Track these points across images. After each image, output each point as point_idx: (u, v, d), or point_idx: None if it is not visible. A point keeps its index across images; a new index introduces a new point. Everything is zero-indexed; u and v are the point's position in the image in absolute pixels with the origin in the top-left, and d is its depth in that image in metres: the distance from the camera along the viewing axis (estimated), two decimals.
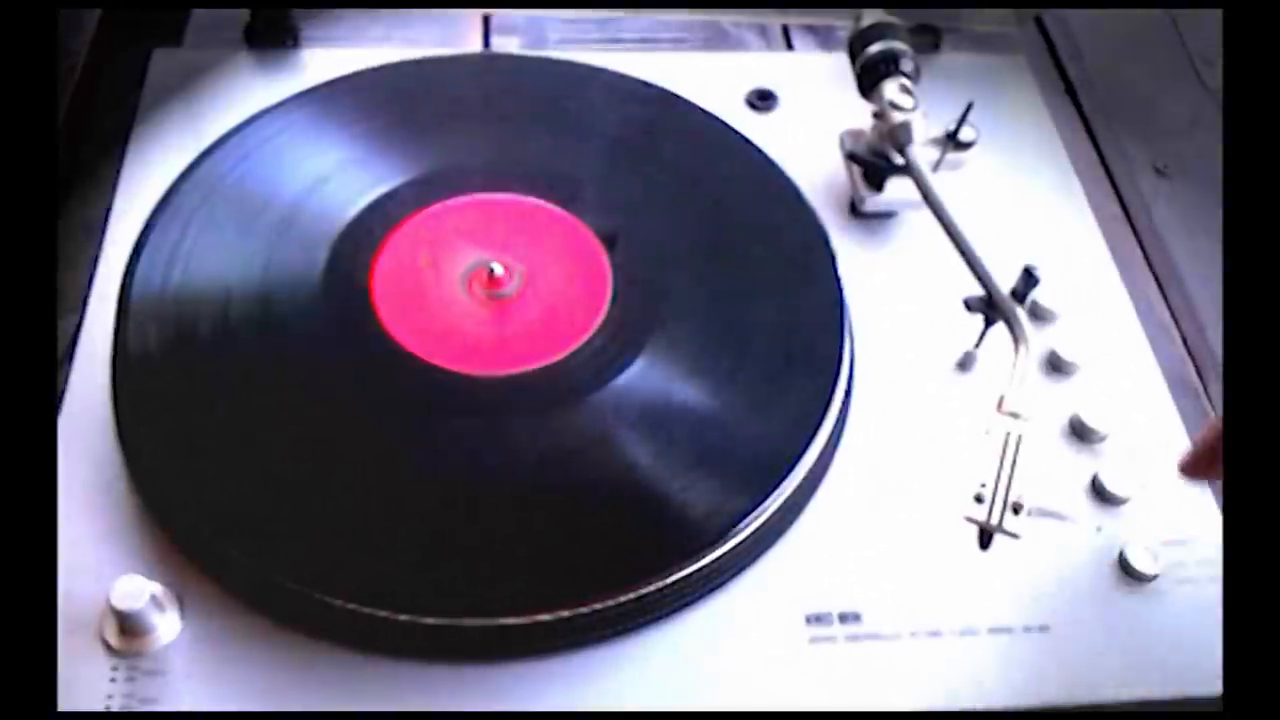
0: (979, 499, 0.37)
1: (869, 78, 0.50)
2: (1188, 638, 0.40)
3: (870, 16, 0.51)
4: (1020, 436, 0.38)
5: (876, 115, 0.50)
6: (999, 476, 0.37)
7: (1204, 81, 0.60)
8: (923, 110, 0.49)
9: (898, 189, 0.50)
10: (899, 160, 0.48)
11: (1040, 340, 0.48)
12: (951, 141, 0.50)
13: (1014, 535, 0.37)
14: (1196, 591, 0.41)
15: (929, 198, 0.46)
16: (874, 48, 0.50)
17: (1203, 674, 0.39)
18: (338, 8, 0.60)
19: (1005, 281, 0.44)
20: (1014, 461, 0.38)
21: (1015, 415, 0.39)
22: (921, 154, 0.48)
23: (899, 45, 0.50)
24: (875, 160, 0.49)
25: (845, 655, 0.39)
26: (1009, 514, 0.37)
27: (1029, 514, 0.37)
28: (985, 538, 0.38)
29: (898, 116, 0.48)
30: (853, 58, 0.51)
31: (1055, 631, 0.40)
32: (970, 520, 0.37)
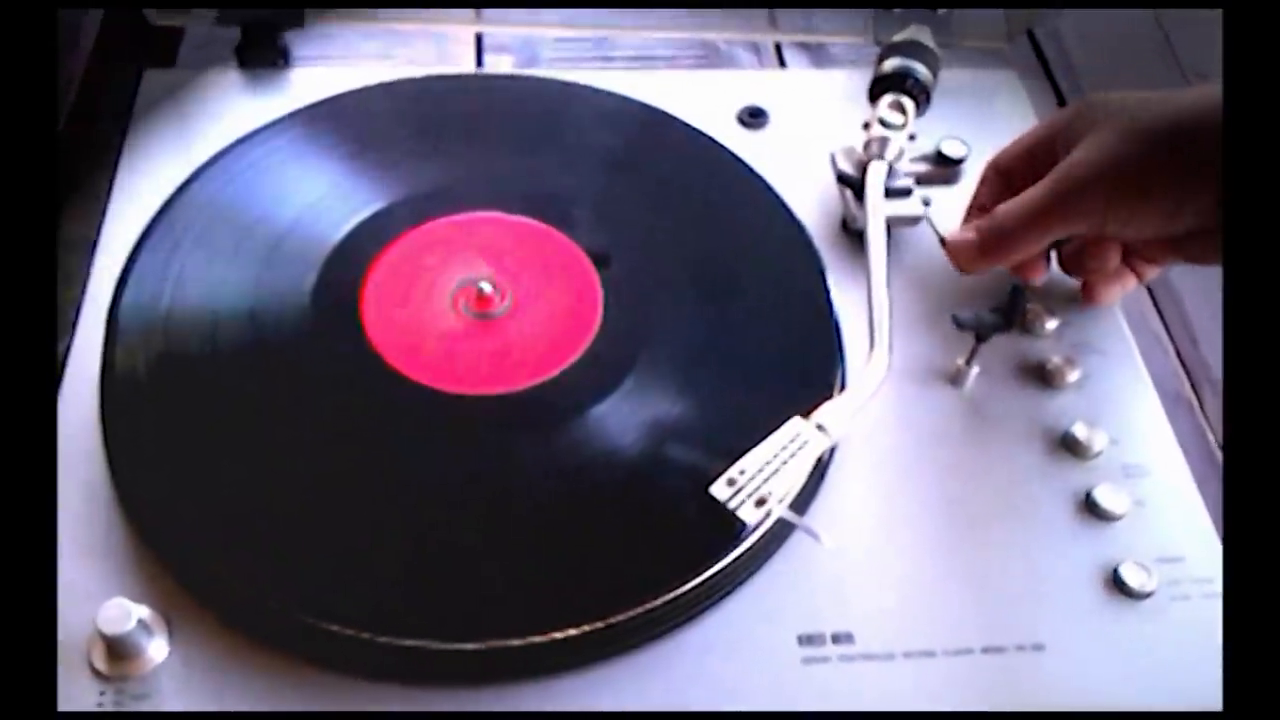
0: (731, 482, 0.38)
1: (878, 88, 0.51)
2: (1183, 655, 0.40)
3: (910, 32, 0.52)
4: (809, 445, 0.39)
5: (865, 126, 0.50)
6: (763, 469, 0.38)
7: None
8: (910, 132, 0.49)
9: (888, 207, 0.49)
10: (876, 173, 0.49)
11: (1031, 353, 0.48)
12: (941, 160, 0.50)
13: (742, 521, 0.37)
14: (1191, 608, 0.41)
15: (870, 218, 0.47)
16: (891, 62, 0.51)
17: (1199, 691, 0.39)
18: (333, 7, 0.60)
19: (993, 298, 0.44)
20: (786, 463, 0.38)
21: (821, 428, 0.39)
22: (880, 172, 0.48)
23: (918, 67, 0.50)
24: (865, 178, 0.49)
25: (838, 676, 0.39)
26: (751, 503, 0.37)
27: (770, 515, 0.37)
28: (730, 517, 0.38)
29: (879, 131, 0.49)
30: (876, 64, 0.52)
31: (1050, 650, 0.40)
32: (712, 497, 0.37)
